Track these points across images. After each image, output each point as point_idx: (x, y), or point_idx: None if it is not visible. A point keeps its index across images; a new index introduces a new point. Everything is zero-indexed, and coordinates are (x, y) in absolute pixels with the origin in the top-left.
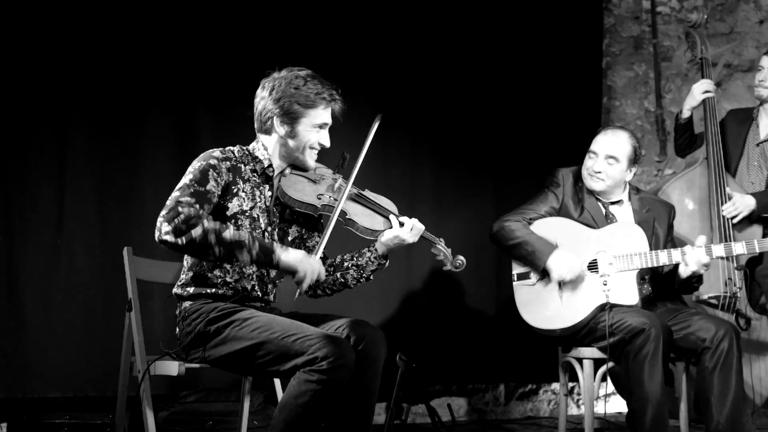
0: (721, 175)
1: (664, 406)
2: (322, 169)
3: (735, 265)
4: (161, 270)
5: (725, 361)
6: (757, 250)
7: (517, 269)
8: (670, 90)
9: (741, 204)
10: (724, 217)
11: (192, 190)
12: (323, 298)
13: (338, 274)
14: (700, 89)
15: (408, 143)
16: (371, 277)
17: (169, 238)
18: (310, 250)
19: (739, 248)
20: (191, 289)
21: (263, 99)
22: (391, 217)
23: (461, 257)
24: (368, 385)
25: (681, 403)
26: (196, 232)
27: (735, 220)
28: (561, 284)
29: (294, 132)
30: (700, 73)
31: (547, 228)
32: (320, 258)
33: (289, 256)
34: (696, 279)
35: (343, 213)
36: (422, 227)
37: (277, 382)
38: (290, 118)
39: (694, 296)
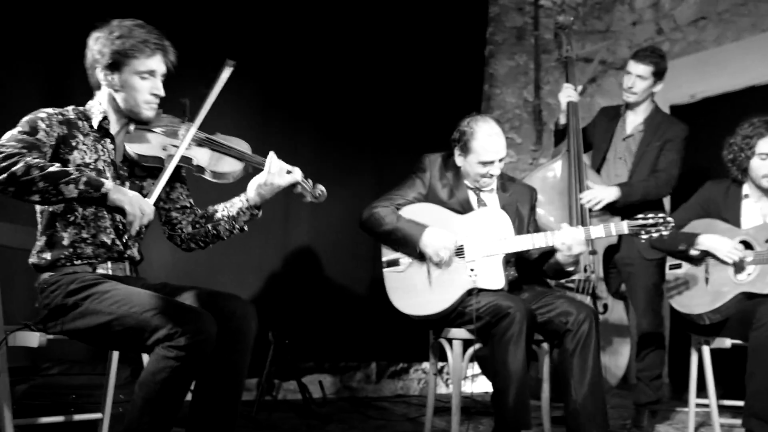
0: (580, 166)
1: (526, 386)
2: (168, 119)
3: (590, 249)
4: (23, 236)
5: (584, 344)
6: (626, 231)
7: (386, 256)
8: (548, 82)
9: (600, 194)
10: (581, 204)
11: (19, 137)
12: (202, 269)
13: (209, 226)
14: (563, 97)
15: (289, 119)
16: (245, 228)
17: None
18: (174, 203)
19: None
20: (48, 256)
21: (90, 51)
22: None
23: (321, 187)
24: (238, 361)
25: (544, 383)
26: (17, 166)
27: (596, 208)
28: (430, 270)
29: (121, 82)
30: (565, 71)
31: (415, 214)
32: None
33: (119, 192)
34: (574, 263)
35: (188, 160)
36: (283, 164)
37: (145, 356)
38: (115, 67)
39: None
